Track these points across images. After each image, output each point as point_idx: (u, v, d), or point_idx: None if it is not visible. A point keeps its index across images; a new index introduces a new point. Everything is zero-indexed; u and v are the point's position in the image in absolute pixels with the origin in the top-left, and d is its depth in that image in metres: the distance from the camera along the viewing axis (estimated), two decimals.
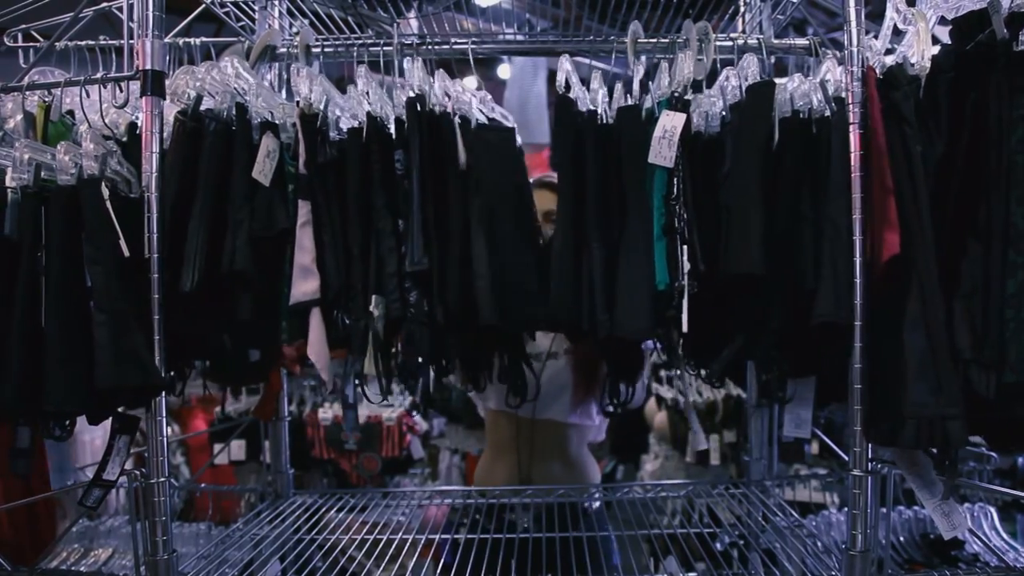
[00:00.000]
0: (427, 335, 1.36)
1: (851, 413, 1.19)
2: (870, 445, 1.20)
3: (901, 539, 1.98)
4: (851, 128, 1.17)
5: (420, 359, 1.45)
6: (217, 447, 3.53)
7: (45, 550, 1.76)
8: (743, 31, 1.82)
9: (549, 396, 1.98)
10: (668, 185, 1.30)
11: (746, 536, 1.69)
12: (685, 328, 1.24)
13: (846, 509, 1.27)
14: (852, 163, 1.17)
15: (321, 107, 1.42)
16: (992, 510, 1.96)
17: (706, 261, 1.27)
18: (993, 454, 1.54)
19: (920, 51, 1.18)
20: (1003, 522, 1.96)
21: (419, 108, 1.38)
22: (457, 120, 1.42)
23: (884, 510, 1.34)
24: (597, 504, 1.98)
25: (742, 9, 1.83)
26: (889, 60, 1.24)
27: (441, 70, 1.46)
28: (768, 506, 1.77)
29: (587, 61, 1.79)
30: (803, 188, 1.26)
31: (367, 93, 1.45)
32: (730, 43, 1.64)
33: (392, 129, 1.42)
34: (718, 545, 1.84)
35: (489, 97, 1.56)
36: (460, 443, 4.31)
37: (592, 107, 1.44)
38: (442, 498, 2.07)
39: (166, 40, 1.29)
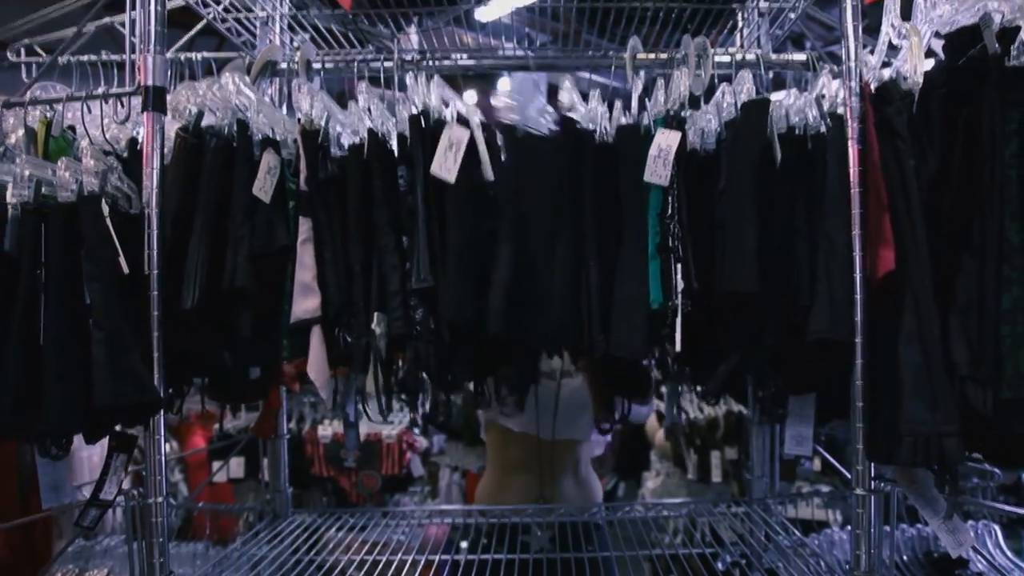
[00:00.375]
0: (433, 353, 1.35)
1: (853, 431, 1.18)
2: (873, 464, 1.20)
3: (904, 558, 1.95)
4: (850, 143, 1.17)
5: (426, 376, 1.43)
6: (216, 465, 3.50)
7: (41, 570, 1.74)
8: (741, 46, 1.83)
9: (568, 415, 1.96)
10: (663, 203, 1.30)
11: (748, 556, 1.67)
12: (679, 347, 1.24)
13: (849, 527, 1.25)
14: (851, 178, 1.17)
15: (322, 123, 1.42)
16: (996, 527, 1.94)
17: (700, 279, 1.26)
18: (996, 470, 1.53)
19: (913, 66, 1.18)
20: (1008, 540, 1.94)
21: (423, 124, 1.37)
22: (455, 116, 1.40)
23: (888, 528, 1.33)
24: (600, 522, 1.97)
25: (740, 24, 1.84)
26: (887, 74, 1.24)
27: (436, 77, 1.45)
28: (770, 525, 1.75)
29: (587, 75, 1.79)
30: (798, 204, 1.26)
31: (369, 109, 1.46)
32: (728, 58, 1.64)
33: (395, 145, 1.42)
34: (720, 565, 1.81)
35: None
36: (460, 460, 4.29)
37: (592, 126, 1.44)
38: (442, 517, 2.05)
39: (168, 55, 1.30)
